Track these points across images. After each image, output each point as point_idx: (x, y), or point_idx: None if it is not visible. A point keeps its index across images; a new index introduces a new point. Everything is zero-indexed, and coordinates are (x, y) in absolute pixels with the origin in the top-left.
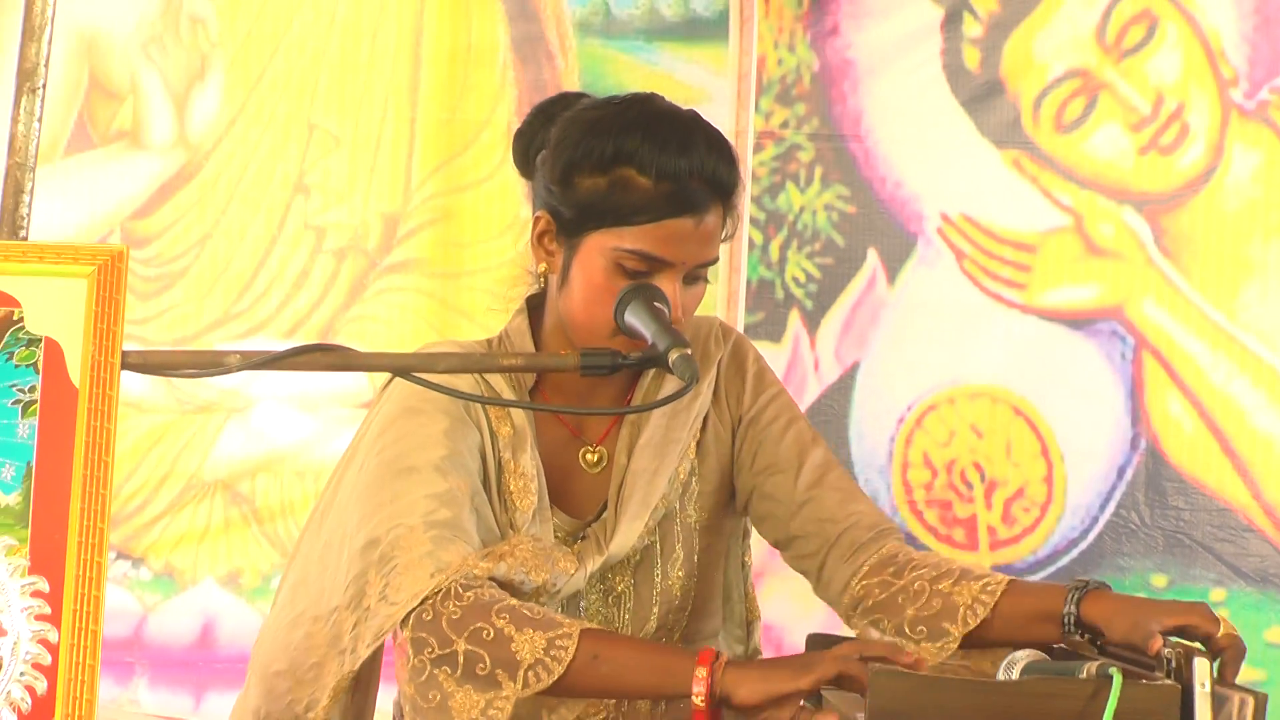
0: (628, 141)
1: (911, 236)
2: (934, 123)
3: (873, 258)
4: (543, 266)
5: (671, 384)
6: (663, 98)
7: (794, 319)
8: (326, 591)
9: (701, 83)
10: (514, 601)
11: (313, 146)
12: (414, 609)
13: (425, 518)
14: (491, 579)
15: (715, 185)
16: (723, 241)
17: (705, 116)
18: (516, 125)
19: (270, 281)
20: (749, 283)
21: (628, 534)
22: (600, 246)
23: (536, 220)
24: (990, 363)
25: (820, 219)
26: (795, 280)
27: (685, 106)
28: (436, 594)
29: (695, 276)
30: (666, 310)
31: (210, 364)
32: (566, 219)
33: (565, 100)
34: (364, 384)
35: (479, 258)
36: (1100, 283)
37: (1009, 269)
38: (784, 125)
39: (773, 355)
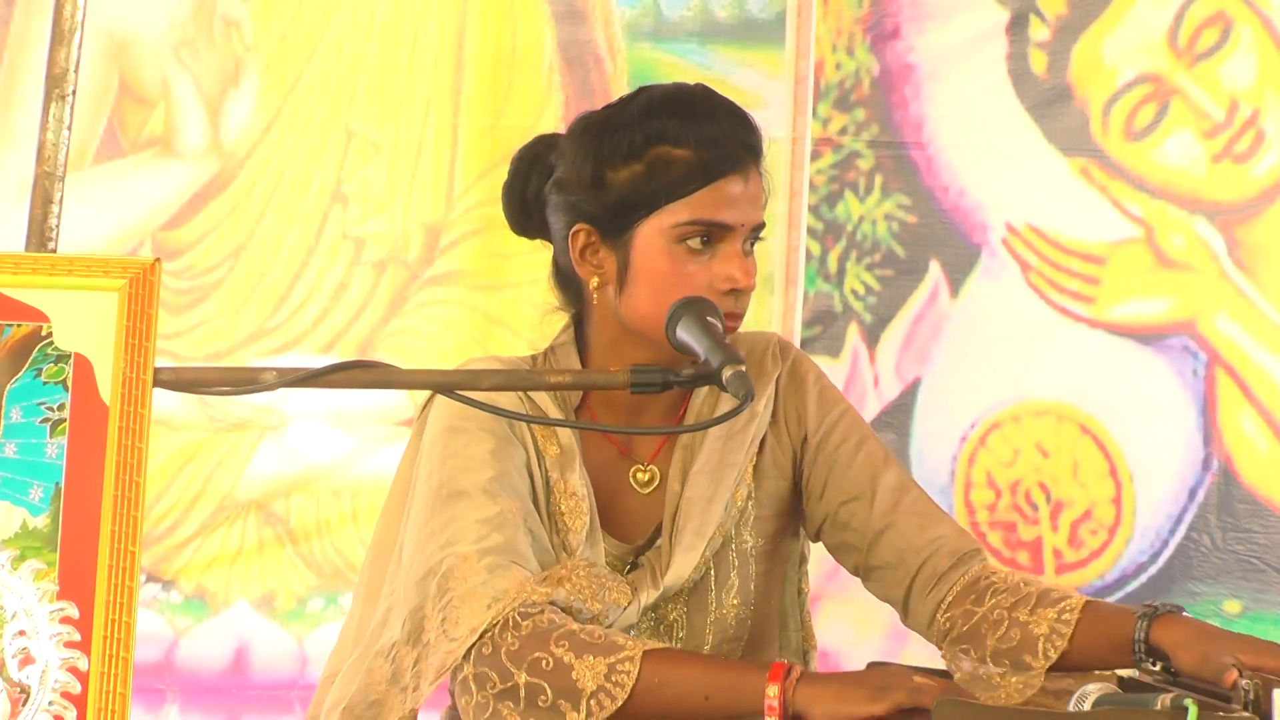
0: (654, 123)
1: (975, 247)
2: (999, 129)
3: (935, 269)
4: (595, 281)
5: (726, 403)
6: (660, 84)
7: (853, 333)
8: (387, 626)
9: (756, 87)
10: (574, 626)
11: (351, 154)
12: (473, 644)
13: (478, 544)
14: (551, 603)
15: (748, 147)
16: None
17: (761, 122)
18: (564, 130)
19: (307, 294)
20: (806, 295)
21: (683, 565)
22: (657, 230)
23: (574, 236)
24: (1057, 379)
25: (880, 229)
26: (854, 293)
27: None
28: (494, 626)
29: (749, 246)
30: (720, 324)
31: (245, 382)
32: (609, 220)
33: (545, 140)
34: (404, 401)
35: (524, 269)
36: (1171, 296)
37: (1076, 281)
38: (842, 132)
39: (831, 371)
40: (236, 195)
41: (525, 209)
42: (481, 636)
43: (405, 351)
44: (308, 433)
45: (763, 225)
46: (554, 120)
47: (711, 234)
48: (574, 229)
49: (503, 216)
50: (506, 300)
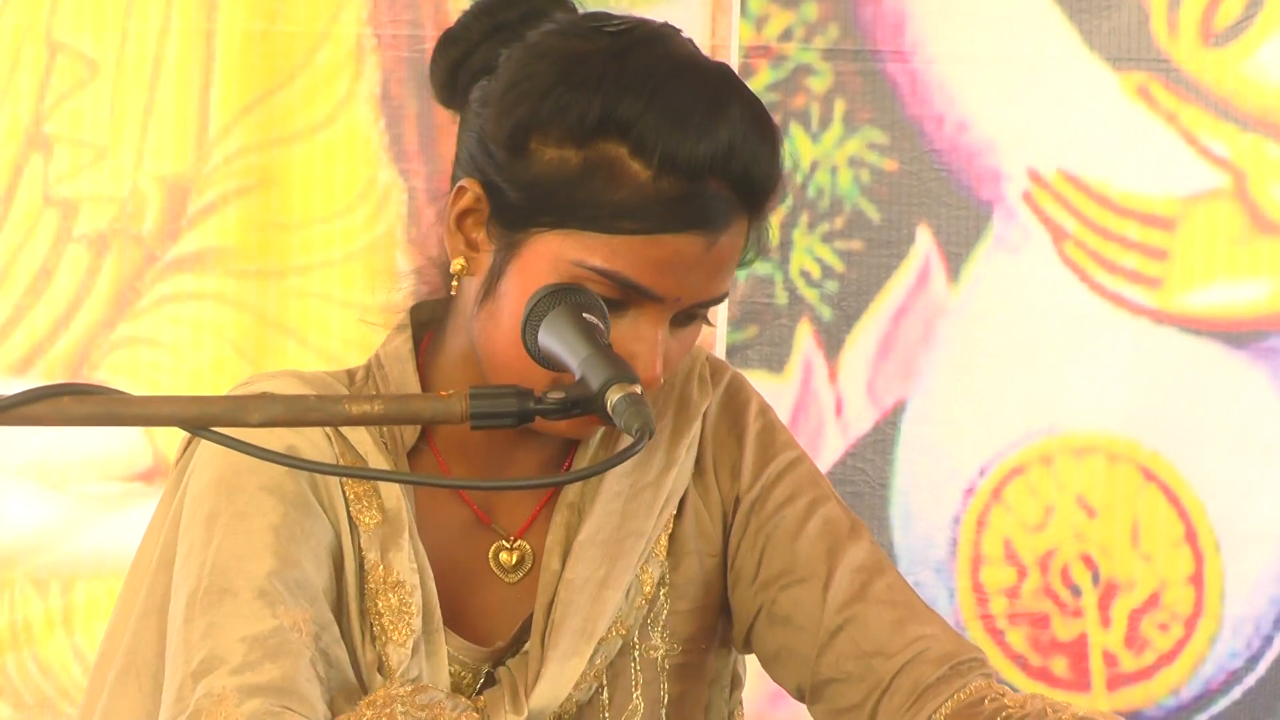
0: (625, 102)
1: (985, 206)
2: (1018, 33)
3: (925, 240)
4: (458, 263)
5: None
6: (682, 36)
7: (804, 336)
8: None
9: None
10: None
11: (55, 77)
12: None
13: (240, 677)
14: None
15: (746, 187)
16: (741, 267)
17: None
18: (370, 41)
19: None
20: (735, 280)
21: (559, 679)
22: (555, 254)
23: (460, 191)
24: (1107, 400)
25: (844, 181)
26: (806, 275)
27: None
28: None
29: (692, 315)
30: (603, 325)
31: None
32: (510, 201)
33: (529, 4)
34: (140, 443)
35: (312, 246)
36: (1273, 275)
37: (1135, 256)
38: (785, 37)
39: (772, 391)
40: None
41: (453, 85)
42: None
43: (139, 370)
44: None
45: (721, 297)
46: (355, 24)
47: (628, 296)
48: (463, 180)
49: (281, 168)
50: (287, 292)
